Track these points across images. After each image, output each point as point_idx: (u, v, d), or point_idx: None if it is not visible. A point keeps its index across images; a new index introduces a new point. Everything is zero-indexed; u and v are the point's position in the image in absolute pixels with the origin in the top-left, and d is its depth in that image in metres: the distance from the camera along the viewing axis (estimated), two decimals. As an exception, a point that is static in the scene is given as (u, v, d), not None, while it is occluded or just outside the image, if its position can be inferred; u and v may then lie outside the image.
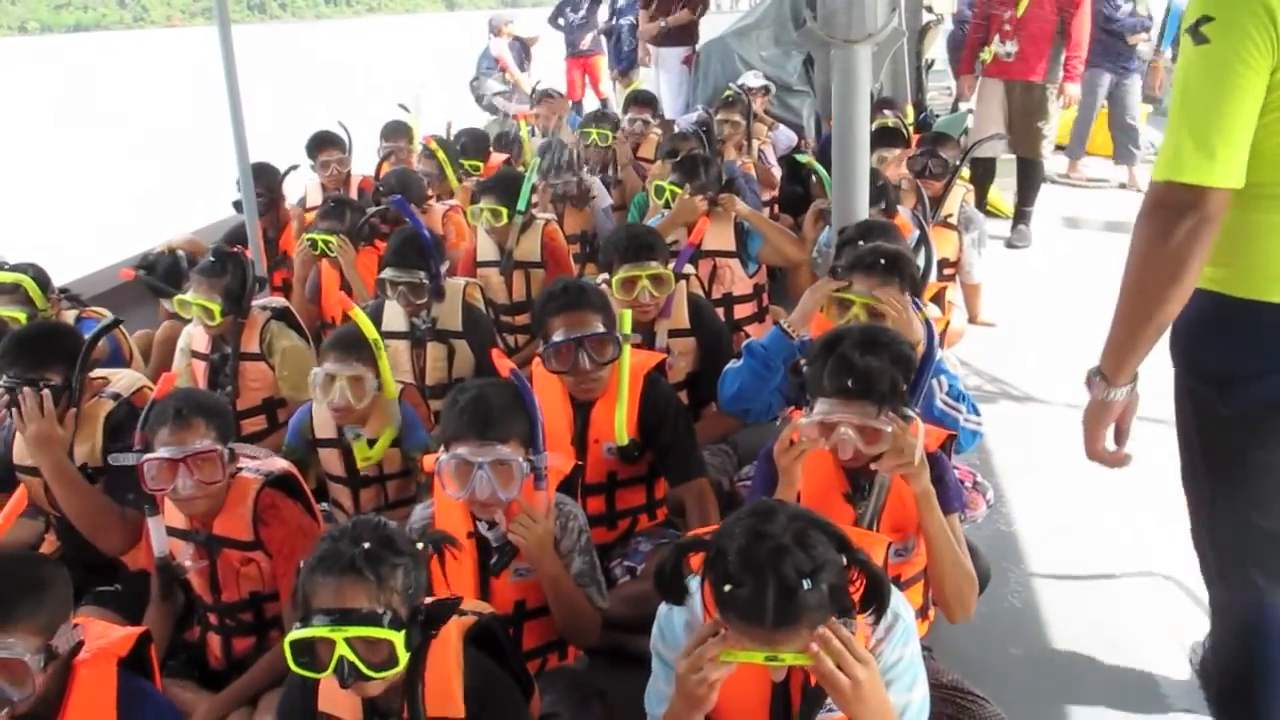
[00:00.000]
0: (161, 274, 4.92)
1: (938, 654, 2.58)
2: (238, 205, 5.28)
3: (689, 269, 3.98)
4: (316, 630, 1.80)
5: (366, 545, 1.85)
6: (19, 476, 3.11)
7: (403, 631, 1.83)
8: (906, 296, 3.07)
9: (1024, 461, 4.01)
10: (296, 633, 1.82)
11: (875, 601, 1.80)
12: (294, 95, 18.71)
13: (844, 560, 1.76)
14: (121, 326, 4.16)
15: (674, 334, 3.71)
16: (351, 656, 1.81)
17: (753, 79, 7.36)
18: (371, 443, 3.16)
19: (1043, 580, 3.25)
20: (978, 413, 3.00)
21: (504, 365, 2.62)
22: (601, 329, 2.97)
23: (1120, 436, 2.13)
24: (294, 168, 5.42)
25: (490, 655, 2.08)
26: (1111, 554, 3.40)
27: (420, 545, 1.97)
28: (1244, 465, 2.12)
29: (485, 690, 1.99)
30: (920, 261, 3.48)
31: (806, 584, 1.67)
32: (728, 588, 1.70)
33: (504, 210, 4.48)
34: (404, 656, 1.83)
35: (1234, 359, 2.08)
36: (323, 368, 3.09)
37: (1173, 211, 1.89)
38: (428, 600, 1.96)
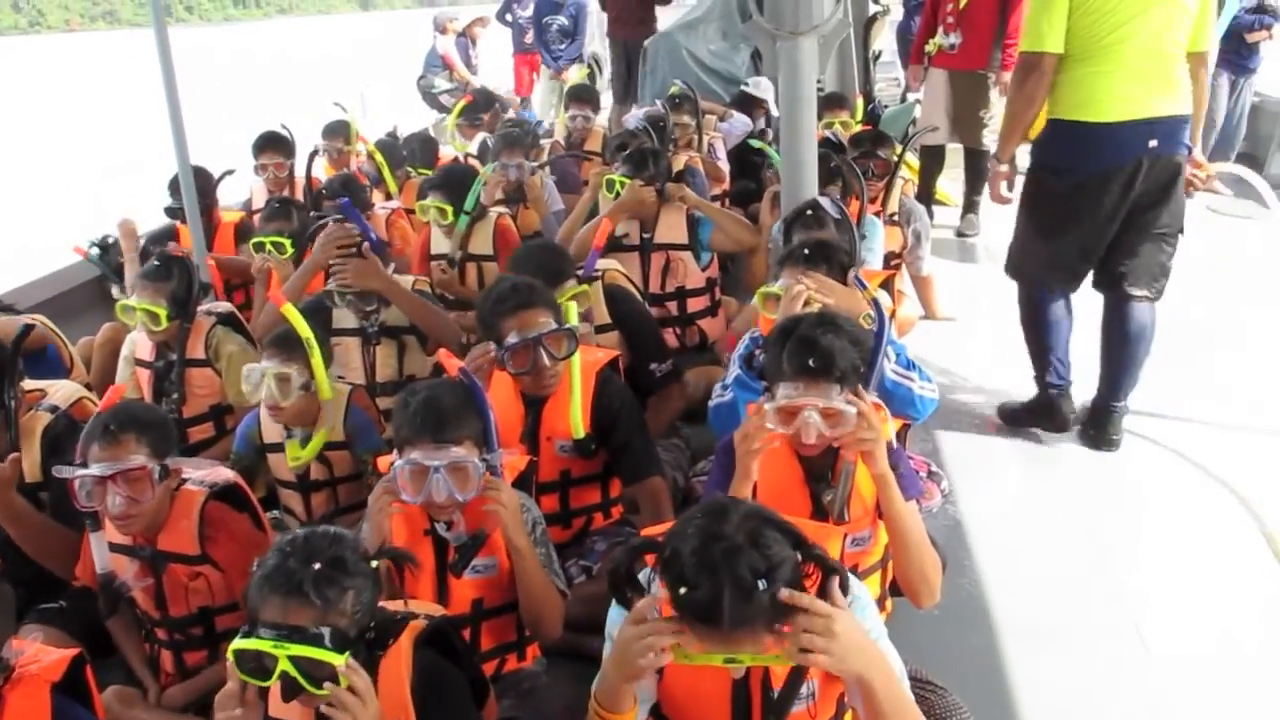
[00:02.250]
0: (112, 257, 4.75)
1: (895, 645, 2.57)
2: (170, 211, 5.18)
3: (612, 262, 3.98)
4: (260, 644, 1.78)
5: (317, 567, 1.82)
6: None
7: (345, 654, 1.80)
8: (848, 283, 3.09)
9: (977, 452, 4.03)
10: (240, 643, 1.80)
11: (832, 576, 1.77)
12: (214, 99, 18.30)
13: (799, 556, 1.74)
14: (61, 335, 4.09)
15: (599, 329, 3.70)
16: (294, 673, 1.79)
17: (760, 90, 7.27)
18: (305, 442, 3.12)
19: (998, 569, 3.26)
20: (931, 380, 2.98)
21: (452, 365, 2.58)
22: (555, 325, 2.95)
23: (1010, 187, 4.05)
24: (229, 173, 5.28)
25: (444, 657, 2.05)
26: (1065, 542, 3.43)
27: (374, 564, 1.93)
28: (1054, 216, 3.83)
29: (430, 687, 1.97)
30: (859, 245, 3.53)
31: (762, 584, 1.65)
32: (683, 590, 1.67)
33: (449, 209, 4.44)
34: (345, 678, 1.80)
35: (1059, 157, 3.79)
36: (257, 364, 3.06)
37: (1030, 66, 3.70)
38: (384, 610, 1.94)
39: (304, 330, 3.07)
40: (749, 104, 7.16)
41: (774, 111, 7.18)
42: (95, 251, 4.74)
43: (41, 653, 2.07)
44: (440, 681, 1.99)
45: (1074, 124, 3.68)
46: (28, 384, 3.10)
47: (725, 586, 1.64)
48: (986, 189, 4.40)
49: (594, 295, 3.69)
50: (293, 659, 1.77)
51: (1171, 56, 3.60)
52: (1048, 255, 3.89)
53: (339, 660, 1.78)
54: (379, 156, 5.80)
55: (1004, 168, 3.99)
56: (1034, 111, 3.79)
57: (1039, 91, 3.71)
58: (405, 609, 2.01)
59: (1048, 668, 2.85)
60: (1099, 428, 4.00)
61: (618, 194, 4.41)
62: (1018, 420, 4.19)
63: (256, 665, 1.81)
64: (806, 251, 3.09)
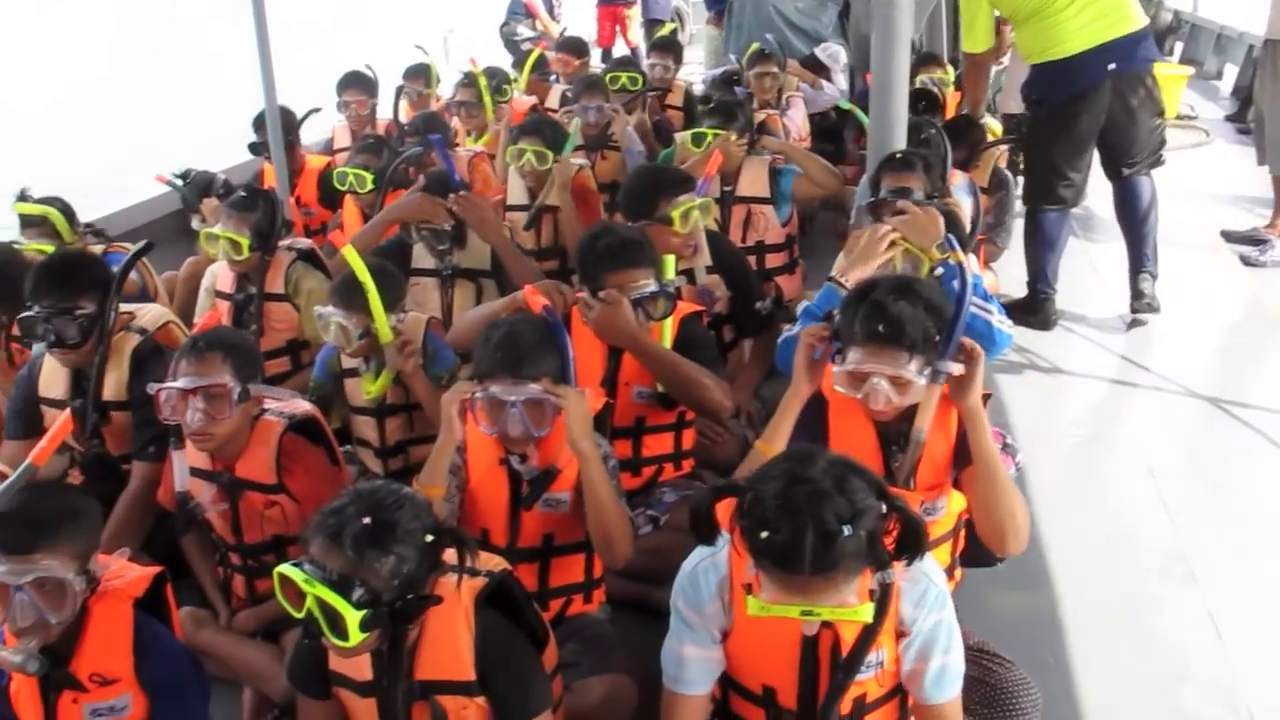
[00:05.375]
0: (193, 187, 4.79)
1: (963, 616, 2.54)
2: (253, 148, 5.22)
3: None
4: (295, 575, 1.79)
5: (366, 522, 1.81)
6: (44, 410, 3.12)
7: (363, 612, 1.78)
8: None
9: (1049, 430, 3.98)
10: (283, 568, 1.82)
11: (912, 549, 1.77)
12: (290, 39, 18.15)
13: (882, 508, 1.72)
14: (148, 265, 4.15)
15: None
16: (317, 613, 1.80)
17: (828, 57, 7.17)
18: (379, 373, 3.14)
19: (1067, 547, 3.21)
20: (1007, 315, 2.96)
21: (536, 302, 2.59)
22: (655, 286, 2.95)
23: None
24: (315, 110, 5.31)
25: (507, 611, 2.05)
26: (1133, 522, 3.39)
27: (430, 538, 1.90)
28: (1047, 140, 4.68)
29: (495, 652, 1.97)
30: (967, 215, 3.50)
31: (846, 530, 1.64)
32: (764, 534, 1.66)
33: (549, 153, 4.37)
34: (356, 635, 1.78)
35: (1039, 91, 4.67)
36: (325, 309, 3.07)
37: (970, 62, 5.16)
38: (426, 593, 1.91)
39: (362, 274, 3.01)
40: (816, 69, 7.09)
41: (840, 82, 7.11)
42: (178, 180, 4.78)
43: (126, 569, 2.13)
44: (501, 644, 1.99)
45: (1044, 64, 4.56)
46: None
47: (808, 530, 1.63)
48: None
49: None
50: (318, 601, 1.78)
51: None
52: (1051, 172, 4.67)
53: (351, 616, 1.76)
54: (482, 81, 5.74)
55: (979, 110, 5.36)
56: (979, 90, 5.32)
57: (979, 75, 5.26)
58: (468, 565, 1.98)
59: (1116, 648, 2.81)
60: (1136, 293, 4.79)
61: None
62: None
63: (294, 594, 1.82)
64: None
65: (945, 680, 1.94)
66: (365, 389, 3.14)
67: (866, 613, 1.74)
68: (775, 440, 2.38)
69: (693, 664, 1.98)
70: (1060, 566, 3.13)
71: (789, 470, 1.70)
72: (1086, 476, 3.64)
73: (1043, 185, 4.72)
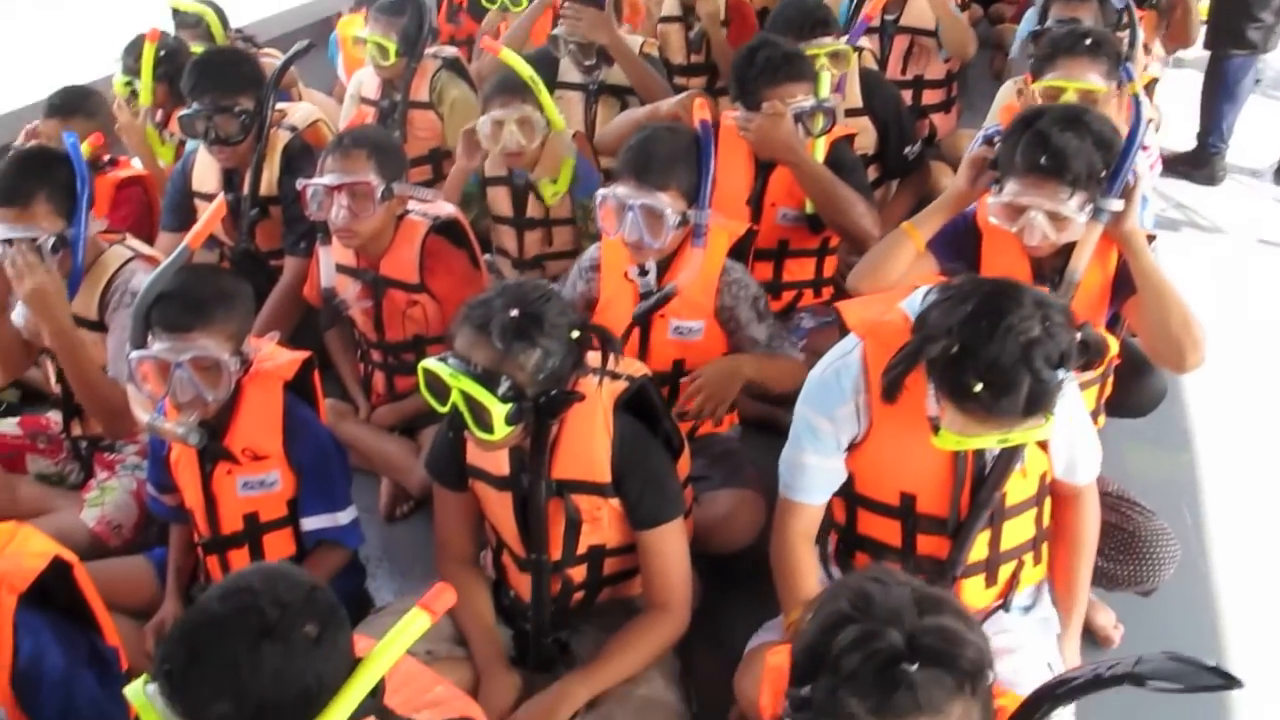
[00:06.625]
0: None
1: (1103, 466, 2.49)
2: None
3: (864, 42, 3.76)
4: (440, 369, 1.80)
5: (513, 314, 1.80)
6: (197, 204, 3.18)
7: (508, 405, 1.77)
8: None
9: (1204, 290, 3.73)
10: (427, 362, 1.83)
11: (1093, 362, 1.73)
12: None
13: (1076, 336, 1.66)
14: (294, 70, 4.17)
15: (848, 113, 3.53)
16: (462, 406, 1.80)
17: None
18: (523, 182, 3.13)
19: (1212, 409, 3.11)
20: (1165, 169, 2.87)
21: (699, 113, 2.53)
22: (813, 100, 2.87)
23: None
24: None
25: (644, 417, 2.05)
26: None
27: (575, 334, 1.89)
28: None
29: (631, 456, 1.97)
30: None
31: (1061, 374, 1.60)
32: (979, 387, 1.60)
33: None
34: (501, 428, 1.78)
35: None
36: (489, 114, 3.02)
37: None
38: (568, 390, 1.90)
39: (525, 70, 3.00)
40: None
41: None
42: None
43: (276, 353, 2.20)
44: (637, 448, 1.99)
45: None
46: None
47: (1026, 381, 1.59)
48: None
49: (850, 75, 3.52)
50: (463, 394, 1.79)
51: None
52: (1238, 12, 4.39)
53: (497, 408, 1.76)
54: None
55: None
56: None
57: None
58: (611, 368, 1.98)
59: (1256, 514, 2.74)
60: None
61: None
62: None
63: (438, 389, 1.83)
64: (1087, 42, 2.82)
65: (1080, 463, 1.95)
66: (549, 192, 3.11)
67: (1050, 425, 1.70)
68: (923, 227, 2.38)
69: (812, 472, 1.95)
70: (1204, 430, 3.05)
71: (1003, 325, 1.60)
72: (1240, 339, 3.47)
73: (1228, 26, 4.42)
